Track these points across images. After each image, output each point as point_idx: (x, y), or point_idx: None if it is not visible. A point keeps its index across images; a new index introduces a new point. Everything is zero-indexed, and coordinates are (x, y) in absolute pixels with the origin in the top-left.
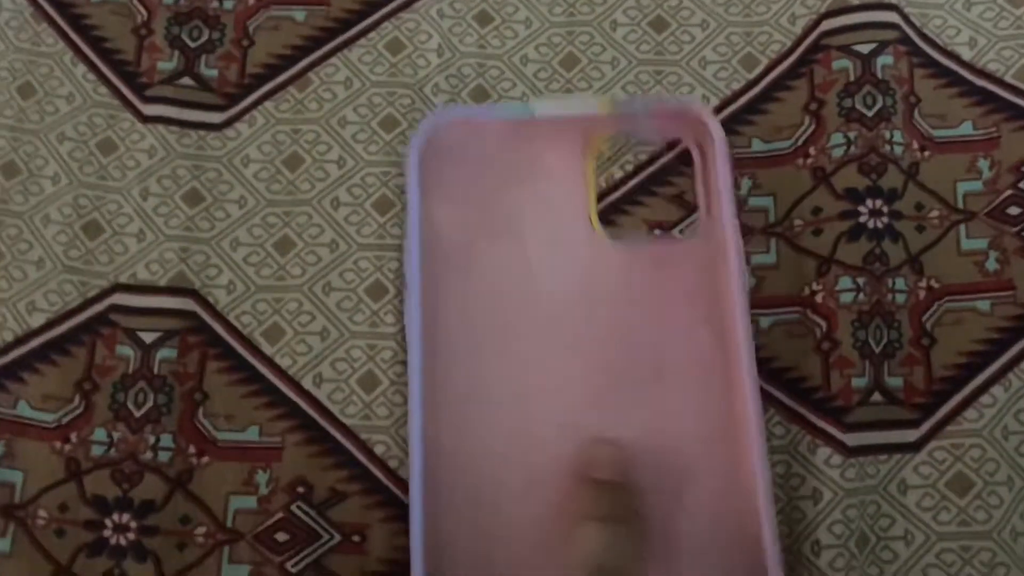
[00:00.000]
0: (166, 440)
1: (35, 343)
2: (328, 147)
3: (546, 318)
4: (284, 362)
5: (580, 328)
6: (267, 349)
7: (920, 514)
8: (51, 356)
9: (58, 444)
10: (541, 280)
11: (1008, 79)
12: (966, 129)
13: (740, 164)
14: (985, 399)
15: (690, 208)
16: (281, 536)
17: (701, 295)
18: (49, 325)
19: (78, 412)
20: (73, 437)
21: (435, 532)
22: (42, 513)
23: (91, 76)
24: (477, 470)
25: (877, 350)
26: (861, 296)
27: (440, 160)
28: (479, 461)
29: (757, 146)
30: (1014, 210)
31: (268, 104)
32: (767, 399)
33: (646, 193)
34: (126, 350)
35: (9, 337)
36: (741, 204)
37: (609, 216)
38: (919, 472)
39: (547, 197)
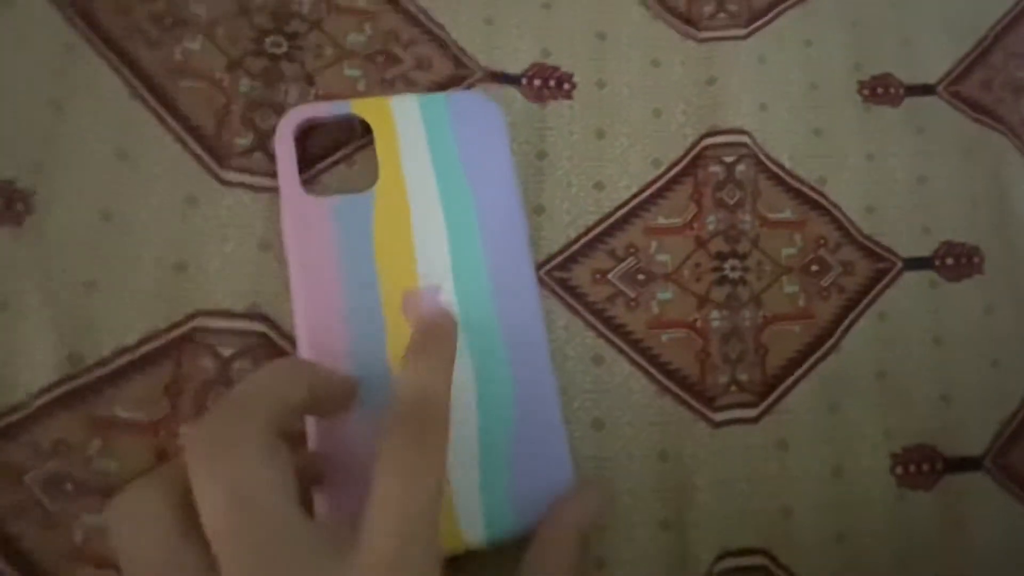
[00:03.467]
0: None
1: (129, 358)
2: None
3: None
4: None
5: None
6: None
7: (756, 463)
8: (144, 368)
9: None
10: None
11: (812, 183)
12: (787, 214)
13: (651, 231)
14: (797, 389)
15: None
16: None
17: None
18: (143, 342)
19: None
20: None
21: None
22: None
23: (178, 147)
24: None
25: (734, 357)
26: (725, 323)
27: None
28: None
29: (660, 220)
30: (815, 267)
31: (325, 175)
32: (666, 391)
33: None
34: (207, 362)
35: (107, 352)
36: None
37: None
38: (757, 436)
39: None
